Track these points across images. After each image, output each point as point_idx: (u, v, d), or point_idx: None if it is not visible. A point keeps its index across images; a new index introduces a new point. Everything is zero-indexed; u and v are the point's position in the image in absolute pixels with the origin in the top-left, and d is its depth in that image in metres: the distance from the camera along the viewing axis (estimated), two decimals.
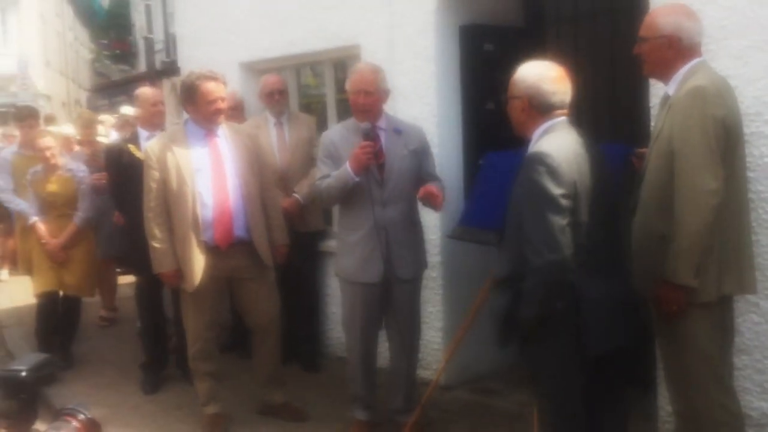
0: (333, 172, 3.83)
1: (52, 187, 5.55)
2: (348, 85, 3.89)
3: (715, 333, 2.89)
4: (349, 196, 3.83)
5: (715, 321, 2.89)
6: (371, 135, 3.76)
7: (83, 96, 37.43)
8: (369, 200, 3.78)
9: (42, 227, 5.56)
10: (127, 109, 7.41)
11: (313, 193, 4.13)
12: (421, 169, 3.94)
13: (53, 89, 31.42)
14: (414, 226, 4.00)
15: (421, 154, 3.95)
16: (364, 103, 3.81)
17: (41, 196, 5.56)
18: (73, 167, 5.64)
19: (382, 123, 3.92)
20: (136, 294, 5.24)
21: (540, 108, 2.86)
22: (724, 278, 2.83)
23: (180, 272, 4.14)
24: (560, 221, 2.66)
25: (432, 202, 3.85)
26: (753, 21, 3.19)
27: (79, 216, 5.59)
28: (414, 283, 4.01)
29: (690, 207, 2.72)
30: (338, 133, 4.01)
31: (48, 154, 5.47)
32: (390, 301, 3.95)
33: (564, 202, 2.67)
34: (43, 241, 5.54)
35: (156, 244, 4.12)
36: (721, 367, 2.93)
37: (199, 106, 4.07)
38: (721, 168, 2.73)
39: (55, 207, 5.59)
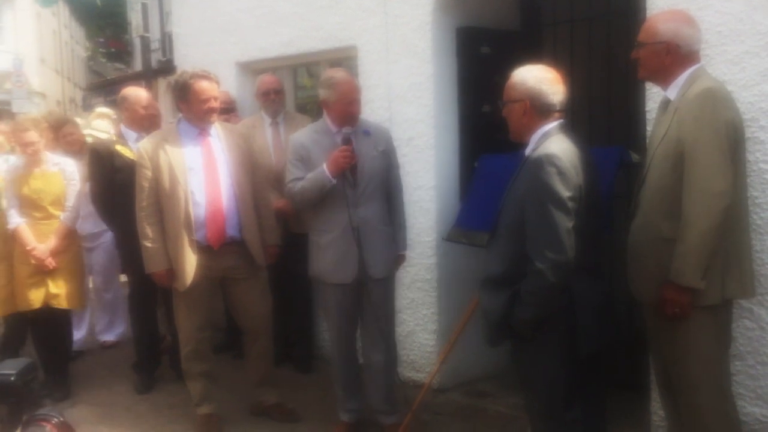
0: (307, 175, 3.85)
1: (37, 183, 4.78)
2: (334, 95, 3.85)
3: (717, 337, 2.90)
4: (323, 198, 3.87)
5: (718, 325, 2.89)
6: (350, 139, 3.82)
7: (78, 94, 37.38)
8: (343, 201, 3.82)
9: (27, 231, 4.76)
10: (104, 110, 7.34)
11: (286, 195, 4.14)
12: (388, 171, 4.01)
13: (48, 87, 31.36)
14: (386, 226, 4.00)
15: (389, 155, 4.02)
16: (357, 111, 3.90)
17: (23, 195, 4.77)
18: (59, 161, 4.94)
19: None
20: (128, 295, 5.21)
21: (541, 109, 2.87)
22: (727, 281, 2.84)
23: (172, 272, 4.12)
24: (567, 223, 2.68)
25: None
26: (749, 27, 3.20)
27: (68, 216, 4.87)
28: (388, 282, 4.03)
29: (700, 208, 2.72)
30: (308, 136, 4.00)
31: (31, 150, 4.74)
32: (365, 300, 3.97)
33: (571, 205, 2.69)
34: (29, 247, 4.71)
35: (148, 244, 4.11)
36: (722, 373, 2.94)
37: (192, 105, 4.07)
38: (731, 170, 2.74)
39: (39, 207, 4.80)
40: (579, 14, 4.50)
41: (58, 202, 4.85)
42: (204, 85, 4.04)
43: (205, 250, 4.07)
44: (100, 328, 6.18)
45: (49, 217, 4.83)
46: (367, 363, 4.10)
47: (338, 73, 3.99)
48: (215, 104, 4.10)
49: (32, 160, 4.79)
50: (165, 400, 4.85)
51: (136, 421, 4.55)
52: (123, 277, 5.81)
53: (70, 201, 4.89)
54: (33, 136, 4.74)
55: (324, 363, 5.24)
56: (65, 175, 4.89)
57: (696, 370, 2.87)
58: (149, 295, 4.96)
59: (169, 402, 4.79)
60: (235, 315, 4.50)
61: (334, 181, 3.78)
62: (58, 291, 4.82)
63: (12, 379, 2.83)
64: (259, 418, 4.44)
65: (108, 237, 5.58)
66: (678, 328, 2.87)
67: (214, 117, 4.15)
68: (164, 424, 4.49)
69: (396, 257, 4.12)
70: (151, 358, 5.16)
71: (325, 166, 3.78)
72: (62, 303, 4.86)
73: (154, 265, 4.14)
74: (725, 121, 2.74)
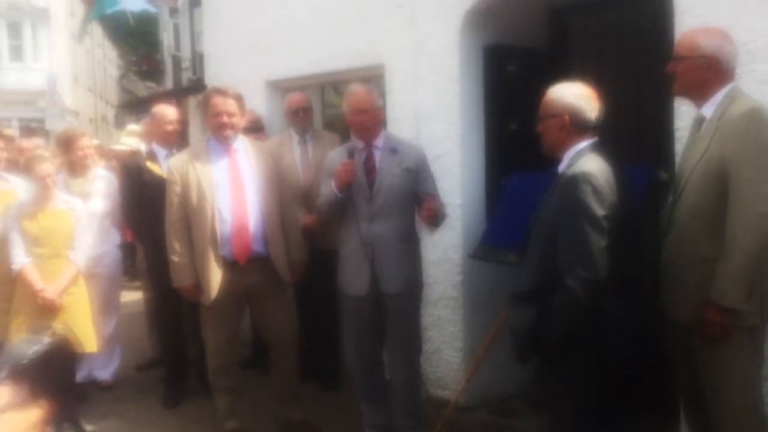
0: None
1: (46, 220, 4.50)
2: (345, 107, 4.02)
3: (755, 359, 2.87)
4: (342, 211, 3.96)
5: (756, 346, 2.86)
6: (354, 153, 3.91)
7: (110, 112, 38.01)
8: (356, 216, 3.91)
9: (33, 271, 4.41)
10: (134, 126, 7.47)
11: (315, 210, 4.31)
12: (418, 188, 4.01)
13: (81, 105, 31.92)
14: (406, 243, 4.01)
15: (416, 173, 4.00)
16: (361, 120, 3.95)
17: (30, 232, 4.45)
18: (69, 200, 4.69)
19: (379, 142, 4.02)
20: (156, 309, 5.26)
21: (578, 126, 2.87)
22: (766, 302, 2.80)
23: (199, 286, 4.17)
24: (600, 242, 2.67)
25: (429, 217, 3.87)
26: None
27: (79, 255, 4.58)
28: (406, 299, 4.00)
29: (747, 229, 2.69)
30: (340, 152, 4.12)
31: (49, 181, 4.48)
32: (386, 316, 3.99)
33: (605, 224, 2.68)
34: (38, 287, 4.37)
35: (175, 258, 4.16)
36: (758, 395, 2.90)
37: (208, 119, 4.17)
38: None
39: (46, 245, 4.48)
40: (607, 31, 4.50)
41: (67, 241, 4.56)
42: (217, 100, 4.11)
43: (231, 265, 4.11)
44: (96, 365, 5.45)
45: (56, 256, 4.52)
46: (391, 379, 4.10)
47: (352, 86, 4.11)
48: (227, 120, 4.11)
49: (44, 195, 4.52)
50: (192, 413, 4.88)
51: None
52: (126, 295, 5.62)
53: (80, 240, 4.61)
54: (49, 168, 4.50)
55: (350, 379, 5.25)
56: (74, 214, 4.64)
57: (734, 393, 2.82)
58: (176, 309, 5.00)
59: (197, 416, 4.81)
60: (261, 330, 4.53)
61: (340, 195, 3.88)
62: (69, 335, 4.47)
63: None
64: None
65: (108, 261, 5.39)
66: (717, 349, 2.81)
67: (228, 132, 4.14)
68: None
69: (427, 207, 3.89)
70: (178, 371, 5.21)
71: (332, 181, 3.89)
72: (77, 347, 4.55)
73: (180, 280, 4.19)
74: None
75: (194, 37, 18.36)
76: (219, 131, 4.15)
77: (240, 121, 4.22)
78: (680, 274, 2.93)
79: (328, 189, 3.95)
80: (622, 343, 2.75)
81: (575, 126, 2.87)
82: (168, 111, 5.19)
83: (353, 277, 3.97)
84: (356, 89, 4.04)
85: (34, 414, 2.28)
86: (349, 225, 3.96)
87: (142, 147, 6.21)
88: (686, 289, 2.90)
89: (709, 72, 2.88)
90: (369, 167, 3.97)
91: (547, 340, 2.79)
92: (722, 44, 2.90)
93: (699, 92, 2.95)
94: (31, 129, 22.66)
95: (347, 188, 3.88)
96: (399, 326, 3.99)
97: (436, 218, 3.93)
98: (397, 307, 3.97)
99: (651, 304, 3.05)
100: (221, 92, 4.15)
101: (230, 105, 4.13)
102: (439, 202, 4.00)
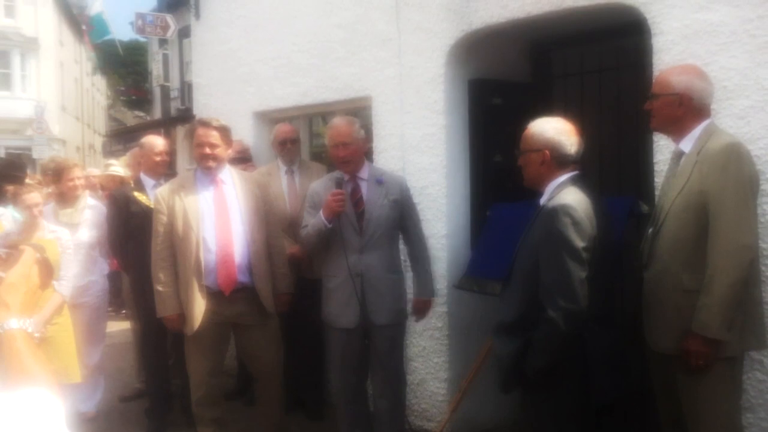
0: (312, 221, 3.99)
1: None
2: (327, 140, 4.08)
3: (734, 389, 2.90)
4: (329, 243, 3.97)
5: (736, 377, 2.90)
6: (342, 183, 3.94)
7: (98, 141, 37.97)
8: (346, 247, 3.92)
9: None
10: (126, 156, 7.52)
11: (299, 241, 4.29)
12: (403, 220, 4.08)
13: (68, 134, 31.89)
14: (393, 274, 4.06)
15: (402, 204, 4.07)
16: (343, 155, 3.99)
17: None
18: (56, 229, 4.67)
19: (363, 173, 4.07)
20: (141, 339, 5.23)
21: (559, 160, 2.93)
22: (745, 333, 2.85)
23: (183, 317, 4.16)
24: (580, 273, 2.71)
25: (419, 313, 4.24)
26: (753, 82, 3.27)
27: (64, 285, 4.53)
28: (393, 330, 4.05)
29: (728, 261, 2.74)
30: (322, 183, 4.16)
31: (36, 211, 4.50)
32: (371, 347, 4.01)
33: (585, 255, 2.73)
34: None
35: (160, 288, 4.16)
36: (738, 426, 2.93)
37: (193, 149, 4.23)
38: (756, 223, 2.79)
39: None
40: (588, 67, 4.60)
41: (54, 271, 4.42)
42: (200, 131, 4.15)
43: (215, 295, 4.11)
44: (80, 397, 5.24)
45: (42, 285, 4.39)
46: (375, 410, 4.10)
47: (333, 120, 4.19)
48: (209, 151, 4.13)
49: (31, 224, 4.51)
50: None
51: None
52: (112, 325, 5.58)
53: (66, 270, 4.58)
54: (36, 197, 4.55)
55: (335, 410, 5.22)
56: (61, 243, 4.61)
57: (714, 423, 2.86)
58: (161, 339, 4.98)
59: None
60: (245, 361, 4.51)
61: (330, 225, 3.89)
62: (51, 365, 4.32)
63: None
64: None
65: (95, 291, 5.36)
66: (699, 379, 2.85)
67: (210, 163, 4.15)
68: None
69: (418, 302, 4.17)
70: (162, 403, 5.16)
71: (321, 211, 3.91)
72: (60, 378, 4.39)
73: (164, 309, 4.19)
74: (749, 175, 2.80)
75: (183, 67, 18.49)
76: (202, 162, 4.18)
77: (224, 153, 4.23)
78: (661, 305, 2.97)
79: (317, 220, 3.95)
80: (604, 372, 2.79)
81: (556, 160, 2.93)
82: (157, 141, 5.22)
83: (342, 310, 3.97)
84: (337, 122, 4.10)
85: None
86: (337, 257, 3.97)
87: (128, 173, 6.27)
88: (667, 320, 2.94)
89: (681, 109, 2.95)
90: (356, 199, 4.00)
91: (530, 371, 2.82)
92: (693, 80, 2.97)
93: (674, 128, 3.02)
94: (18, 158, 22.60)
95: (337, 218, 3.91)
96: (384, 357, 4.00)
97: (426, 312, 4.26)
98: (384, 338, 3.98)
99: (632, 334, 3.09)
100: (205, 123, 4.20)
101: (213, 136, 4.15)
102: (429, 287, 4.21)
